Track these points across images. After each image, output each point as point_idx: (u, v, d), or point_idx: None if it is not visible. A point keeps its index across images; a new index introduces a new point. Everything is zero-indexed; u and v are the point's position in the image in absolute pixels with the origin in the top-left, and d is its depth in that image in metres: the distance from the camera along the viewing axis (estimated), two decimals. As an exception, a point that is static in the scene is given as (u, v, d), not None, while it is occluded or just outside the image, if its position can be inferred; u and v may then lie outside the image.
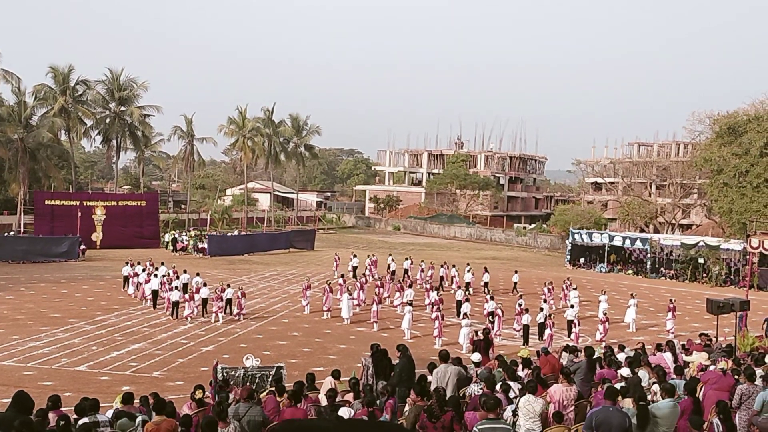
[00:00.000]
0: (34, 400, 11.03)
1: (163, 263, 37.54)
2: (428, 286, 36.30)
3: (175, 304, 30.24)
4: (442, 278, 41.74)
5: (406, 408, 11.36)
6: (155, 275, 33.82)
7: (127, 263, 37.63)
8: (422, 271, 43.27)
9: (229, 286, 32.00)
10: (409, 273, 43.04)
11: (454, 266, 42.58)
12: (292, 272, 46.51)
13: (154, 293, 32.40)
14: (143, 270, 35.38)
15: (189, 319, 29.65)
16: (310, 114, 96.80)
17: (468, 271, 41.37)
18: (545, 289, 36.44)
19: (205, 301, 31.00)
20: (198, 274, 34.16)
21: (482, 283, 40.30)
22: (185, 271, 34.98)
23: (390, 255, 48.26)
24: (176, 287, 31.46)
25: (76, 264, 47.17)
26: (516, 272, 43.61)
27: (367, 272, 43.54)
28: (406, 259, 46.77)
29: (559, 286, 38.38)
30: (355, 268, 44.67)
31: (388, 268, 44.43)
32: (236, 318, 30.63)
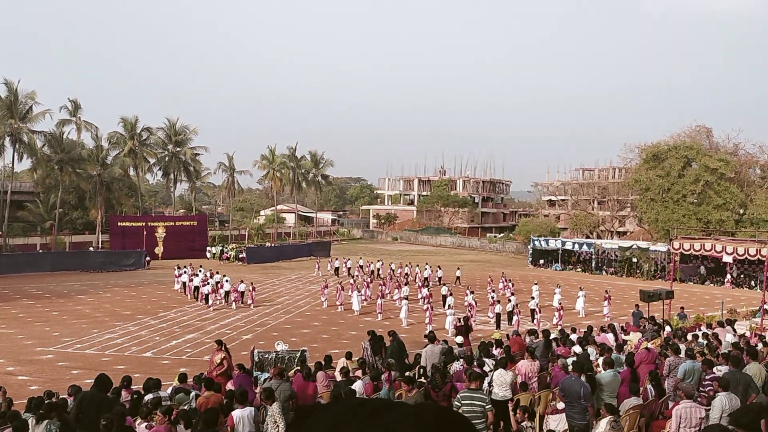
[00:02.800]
0: (112, 381, 11.01)
1: (201, 267, 38.78)
2: (420, 284, 36.33)
3: (207, 296, 32.13)
4: (407, 275, 42.60)
5: (401, 393, 11.23)
6: (196, 276, 35.48)
7: (177, 267, 39.20)
8: (392, 270, 43.80)
9: (242, 281, 33.81)
10: (380, 271, 44.22)
11: (417, 266, 43.98)
12: (313, 275, 46.41)
13: (196, 288, 34.36)
14: (185, 272, 36.90)
15: (213, 307, 31.28)
16: (325, 150, 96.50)
17: (427, 268, 42.91)
18: (510, 284, 36.46)
19: (227, 294, 32.62)
20: (225, 275, 34.96)
21: (437, 278, 41.40)
22: (217, 272, 35.80)
23: (360, 258, 49.67)
24: (209, 284, 32.87)
25: (143, 272, 47.14)
26: (458, 268, 45.15)
27: (356, 272, 45.02)
28: (378, 260, 47.32)
29: (511, 280, 38.37)
30: (336, 269, 46.29)
31: (361, 267, 45.54)
32: (249, 305, 31.94)
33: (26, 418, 9.56)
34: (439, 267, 43.50)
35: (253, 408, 9.64)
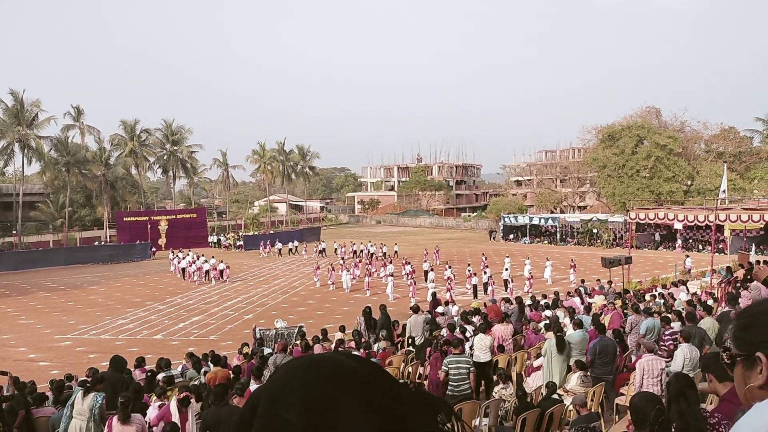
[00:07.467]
0: (127, 361, 10.92)
1: (189, 251, 40.66)
2: (404, 261, 36.34)
3: (193, 273, 35.87)
4: (354, 252, 43.85)
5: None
6: (185, 259, 37.92)
7: (171, 251, 42.24)
8: (341, 246, 44.84)
9: (222, 261, 36.27)
10: (337, 251, 44.96)
11: (361, 243, 45.80)
12: (305, 258, 46.29)
13: (183, 270, 37.26)
14: (175, 257, 39.64)
15: (197, 282, 34.70)
16: (311, 143, 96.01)
17: (381, 245, 44.46)
18: (483, 258, 36.52)
19: (207, 272, 35.55)
20: (212, 257, 37.43)
21: (382, 253, 43.01)
22: (203, 255, 38.19)
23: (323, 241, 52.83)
24: (194, 265, 36.31)
25: (149, 262, 46.79)
26: (396, 244, 46.65)
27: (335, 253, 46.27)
28: (322, 241, 50.49)
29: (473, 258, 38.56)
30: (290, 250, 49.93)
31: (319, 249, 47.58)
32: (225, 282, 34.53)
33: (76, 390, 9.47)
34: (383, 244, 45.30)
35: None
